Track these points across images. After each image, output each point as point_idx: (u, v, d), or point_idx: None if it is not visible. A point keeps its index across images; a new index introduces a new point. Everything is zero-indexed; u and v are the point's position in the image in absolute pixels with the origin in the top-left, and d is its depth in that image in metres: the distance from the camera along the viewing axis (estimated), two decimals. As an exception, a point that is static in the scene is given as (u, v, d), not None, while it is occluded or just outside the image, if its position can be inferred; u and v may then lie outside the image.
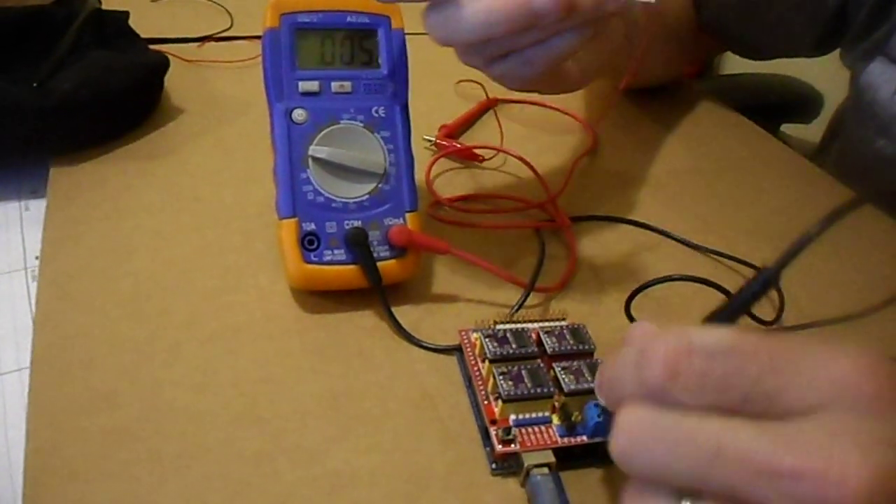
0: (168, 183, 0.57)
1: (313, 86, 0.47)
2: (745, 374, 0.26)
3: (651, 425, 0.27)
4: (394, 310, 0.45)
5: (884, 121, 0.65)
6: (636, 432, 0.27)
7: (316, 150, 0.46)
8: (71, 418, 0.39)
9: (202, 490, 0.37)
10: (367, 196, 0.46)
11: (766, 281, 0.30)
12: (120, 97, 0.61)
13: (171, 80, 0.67)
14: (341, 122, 0.47)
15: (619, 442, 0.28)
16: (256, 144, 0.59)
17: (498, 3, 0.38)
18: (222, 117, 0.66)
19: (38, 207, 0.56)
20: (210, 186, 0.57)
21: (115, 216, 0.53)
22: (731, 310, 0.31)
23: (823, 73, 0.75)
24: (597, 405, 0.37)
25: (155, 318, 0.45)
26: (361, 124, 0.47)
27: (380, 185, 0.47)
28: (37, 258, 0.50)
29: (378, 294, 0.45)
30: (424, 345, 0.44)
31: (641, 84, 0.73)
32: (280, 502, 0.36)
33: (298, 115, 0.47)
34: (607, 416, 0.36)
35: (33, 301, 0.47)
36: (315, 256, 0.45)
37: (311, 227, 0.45)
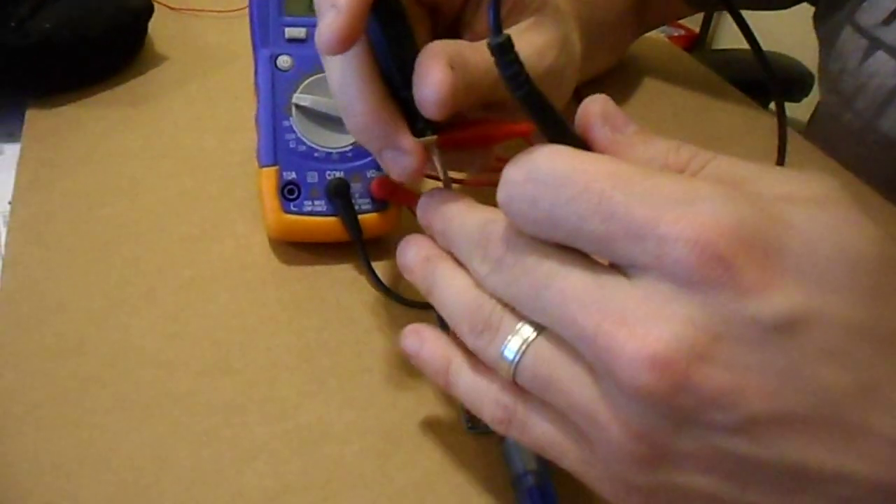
0: (148, 129, 0.56)
1: (300, 32, 0.45)
2: (571, 210, 0.25)
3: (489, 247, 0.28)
4: (374, 264, 0.44)
5: (849, 92, 0.64)
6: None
7: (300, 97, 0.45)
8: (36, 363, 0.38)
9: (169, 440, 0.36)
10: (350, 147, 0.45)
11: (499, 47, 0.27)
12: (101, 40, 0.59)
13: (154, 27, 0.65)
14: (326, 70, 0.46)
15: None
16: (241, 95, 0.57)
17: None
18: (206, 66, 0.64)
19: (12, 151, 0.54)
20: (191, 134, 0.55)
21: (91, 161, 0.52)
22: (532, 109, 0.27)
23: (814, 51, 0.74)
24: None
25: (128, 265, 0.44)
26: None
27: (364, 136, 0.45)
28: (10, 203, 0.49)
29: (358, 247, 0.44)
30: (404, 300, 0.43)
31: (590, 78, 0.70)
32: (250, 455, 0.35)
33: (283, 61, 0.45)
34: None
35: (3, 244, 0.46)
36: (295, 206, 0.44)
37: (292, 176, 0.44)
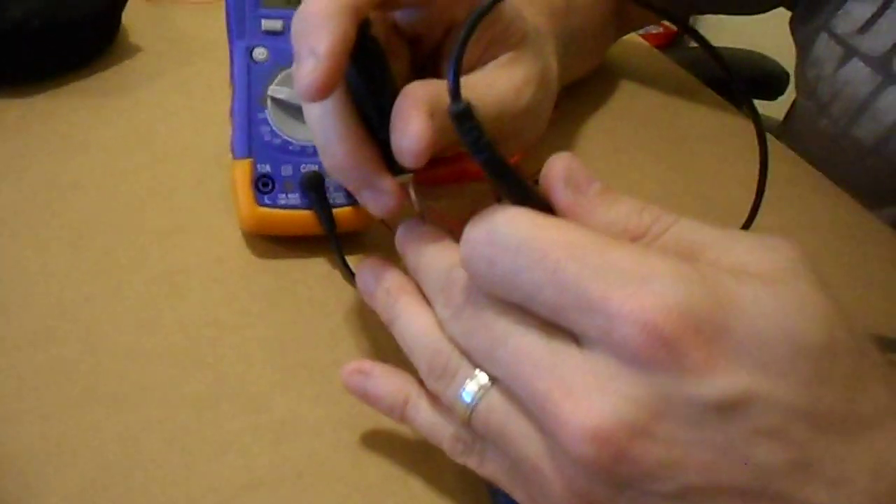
0: (121, 121, 0.55)
1: (276, 25, 0.45)
2: (527, 277, 0.25)
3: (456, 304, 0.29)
4: (347, 258, 0.44)
5: (825, 99, 0.64)
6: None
7: (275, 90, 0.44)
8: (3, 354, 0.38)
9: (139, 433, 0.35)
10: (325, 140, 0.45)
11: (459, 116, 0.27)
12: (72, 29, 0.58)
13: (128, 16, 0.64)
14: (302, 63, 0.45)
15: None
16: (217, 87, 0.57)
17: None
18: (182, 58, 0.64)
19: (-18, 140, 0.53)
20: (165, 126, 0.55)
21: (62, 151, 0.51)
22: (494, 173, 0.27)
23: (790, 50, 0.74)
24: None
25: (99, 256, 0.44)
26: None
27: (339, 130, 0.45)
28: (-21, 192, 0.48)
29: (332, 241, 0.44)
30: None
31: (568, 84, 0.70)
32: (221, 449, 0.35)
33: (259, 53, 0.45)
34: None
35: (-29, 234, 0.45)
36: (269, 199, 0.44)
37: (267, 168, 0.44)
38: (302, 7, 0.32)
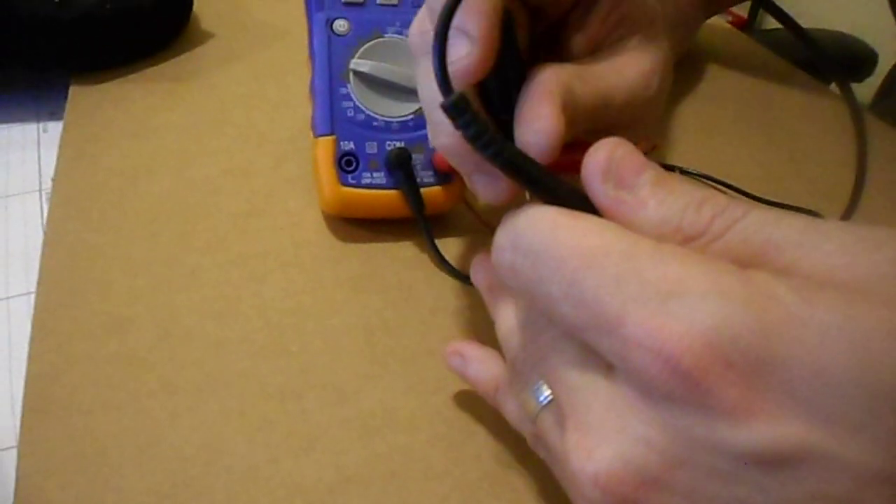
0: (194, 105, 0.53)
1: (357, -5, 0.43)
2: (545, 290, 0.22)
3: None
4: (437, 241, 0.41)
5: None
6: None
7: (358, 63, 0.42)
8: (77, 344, 0.35)
9: (219, 426, 0.33)
10: (411, 116, 0.42)
11: (451, 108, 0.23)
12: (145, 15, 0.56)
13: (200, 3, 0.62)
14: (385, 35, 0.43)
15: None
16: (291, 71, 0.55)
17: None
18: (255, 43, 0.62)
19: (56, 129, 0.52)
20: (240, 109, 0.53)
21: (136, 136, 0.49)
22: (508, 169, 0.24)
23: (877, 31, 0.69)
24: None
25: (174, 241, 0.41)
26: (407, 38, 0.43)
27: (426, 105, 0.42)
28: (53, 180, 0.47)
29: (420, 223, 0.41)
30: (469, 279, 0.40)
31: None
32: (306, 444, 0.32)
33: (340, 25, 0.42)
34: None
35: (45, 222, 0.44)
36: (353, 179, 0.41)
37: (350, 146, 0.41)
38: None
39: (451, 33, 0.28)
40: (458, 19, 0.28)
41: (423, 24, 0.31)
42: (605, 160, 0.24)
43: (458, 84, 0.28)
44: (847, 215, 0.42)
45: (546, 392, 0.26)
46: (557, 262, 0.22)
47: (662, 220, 0.23)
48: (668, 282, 0.20)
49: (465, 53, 0.27)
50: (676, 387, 0.19)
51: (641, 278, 0.20)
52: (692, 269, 0.20)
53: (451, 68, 0.28)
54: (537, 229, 0.23)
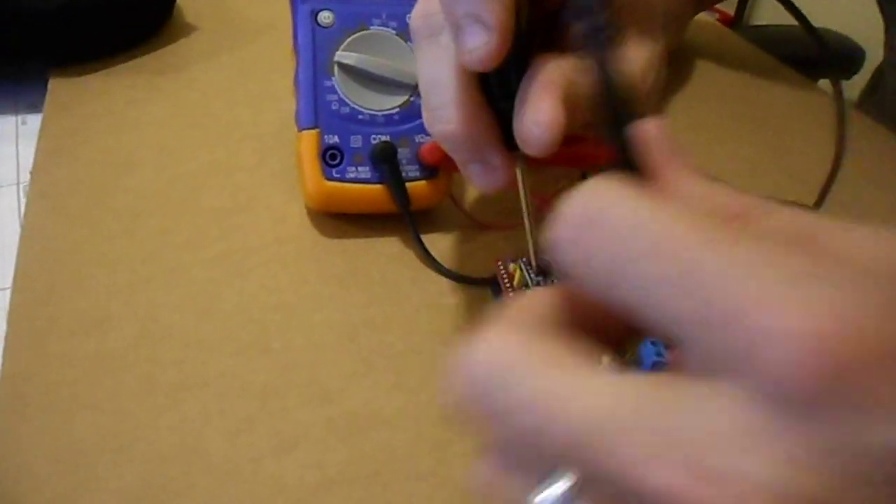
0: (176, 99, 0.52)
1: (343, -14, 0.42)
2: (640, 270, 0.17)
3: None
4: (422, 236, 0.40)
5: None
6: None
7: (343, 55, 0.41)
8: (54, 342, 0.35)
9: (200, 426, 0.32)
10: (397, 109, 0.41)
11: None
12: (127, 6, 0.56)
13: (183, -6, 0.62)
14: (371, 27, 0.42)
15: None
16: (275, 65, 0.54)
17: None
18: (238, 37, 0.61)
19: (35, 122, 0.51)
20: (222, 103, 0.52)
21: (116, 129, 0.48)
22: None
23: (864, 28, 0.69)
24: (654, 343, 0.32)
25: (155, 237, 0.40)
26: (394, 31, 0.42)
27: (412, 98, 0.41)
28: (31, 173, 0.46)
29: (405, 218, 0.40)
30: (455, 275, 0.39)
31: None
32: (289, 443, 0.32)
33: (325, 17, 0.42)
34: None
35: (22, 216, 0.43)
36: (337, 173, 0.40)
37: (335, 139, 0.40)
38: None
39: (466, 21, 0.28)
40: (474, 6, 0.27)
41: (426, 7, 0.30)
42: (657, 132, 0.22)
43: (478, 67, 0.28)
44: (818, 206, 0.43)
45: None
46: (672, 243, 0.16)
47: (704, 196, 0.20)
48: (795, 263, 0.15)
49: (482, 42, 0.27)
50: (831, 386, 0.14)
51: (769, 258, 0.15)
52: (803, 252, 0.16)
53: (466, 57, 0.28)
54: (637, 205, 0.18)
